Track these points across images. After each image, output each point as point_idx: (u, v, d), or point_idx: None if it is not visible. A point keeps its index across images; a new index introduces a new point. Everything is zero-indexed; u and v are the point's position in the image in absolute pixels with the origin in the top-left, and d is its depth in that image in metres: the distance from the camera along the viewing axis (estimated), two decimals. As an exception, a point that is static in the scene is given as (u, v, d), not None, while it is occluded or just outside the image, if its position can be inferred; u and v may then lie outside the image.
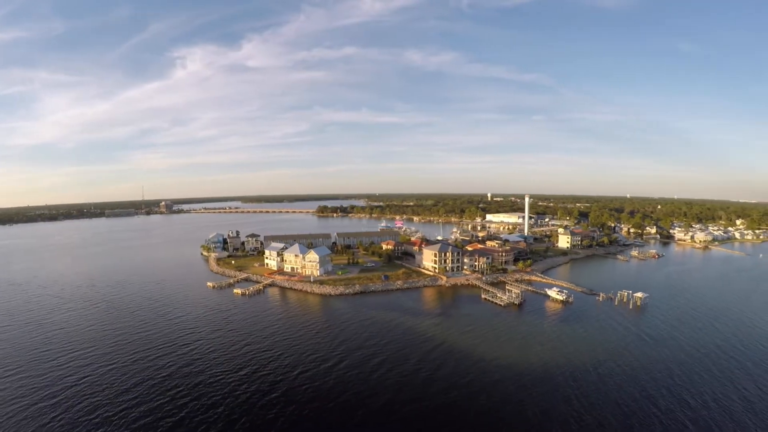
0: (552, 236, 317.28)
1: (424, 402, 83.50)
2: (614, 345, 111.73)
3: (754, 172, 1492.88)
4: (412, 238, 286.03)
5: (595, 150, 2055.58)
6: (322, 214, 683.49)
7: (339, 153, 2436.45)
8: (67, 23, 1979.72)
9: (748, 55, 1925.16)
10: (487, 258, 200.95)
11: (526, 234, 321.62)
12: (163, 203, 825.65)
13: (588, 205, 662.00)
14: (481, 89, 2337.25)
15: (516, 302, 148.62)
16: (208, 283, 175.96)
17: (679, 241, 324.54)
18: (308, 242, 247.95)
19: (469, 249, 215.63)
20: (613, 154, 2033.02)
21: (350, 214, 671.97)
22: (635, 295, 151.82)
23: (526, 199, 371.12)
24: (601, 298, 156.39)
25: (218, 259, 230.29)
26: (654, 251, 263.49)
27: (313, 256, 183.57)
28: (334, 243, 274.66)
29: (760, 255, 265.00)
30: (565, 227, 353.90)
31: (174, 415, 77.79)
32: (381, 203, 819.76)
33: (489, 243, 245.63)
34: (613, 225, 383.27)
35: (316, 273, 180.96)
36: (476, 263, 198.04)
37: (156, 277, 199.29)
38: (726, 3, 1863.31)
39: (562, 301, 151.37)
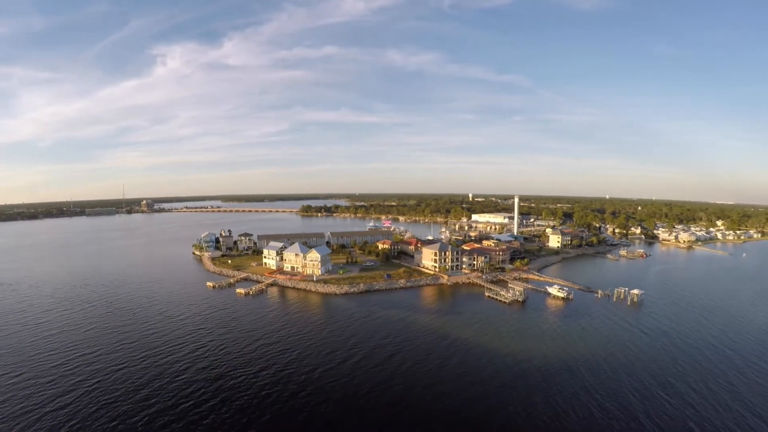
0: (541, 236, 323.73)
1: (443, 389, 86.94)
2: (616, 338, 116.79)
3: (732, 174, 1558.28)
4: (404, 238, 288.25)
5: (574, 151, 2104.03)
6: (306, 214, 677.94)
7: (319, 152, 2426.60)
8: (46, 19, 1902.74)
9: (725, 58, 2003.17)
10: (485, 257, 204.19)
11: (515, 234, 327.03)
12: (144, 202, 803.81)
13: (569, 205, 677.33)
14: (461, 90, 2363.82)
15: (520, 299, 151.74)
16: (208, 283, 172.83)
17: (664, 241, 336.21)
18: (302, 241, 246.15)
19: (467, 248, 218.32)
20: (592, 155, 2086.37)
21: (335, 214, 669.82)
22: (632, 291, 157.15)
23: (515, 200, 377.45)
24: (599, 295, 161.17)
25: (213, 259, 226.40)
26: (642, 251, 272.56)
27: (314, 255, 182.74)
28: (328, 242, 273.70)
29: (743, 254, 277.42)
30: (553, 227, 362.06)
31: (203, 416, 76.24)
32: (364, 203, 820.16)
33: (485, 242, 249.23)
34: (598, 225, 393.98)
35: (318, 272, 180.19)
36: (475, 262, 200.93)
37: (151, 276, 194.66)
38: (704, 5, 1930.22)
39: (563, 298, 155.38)
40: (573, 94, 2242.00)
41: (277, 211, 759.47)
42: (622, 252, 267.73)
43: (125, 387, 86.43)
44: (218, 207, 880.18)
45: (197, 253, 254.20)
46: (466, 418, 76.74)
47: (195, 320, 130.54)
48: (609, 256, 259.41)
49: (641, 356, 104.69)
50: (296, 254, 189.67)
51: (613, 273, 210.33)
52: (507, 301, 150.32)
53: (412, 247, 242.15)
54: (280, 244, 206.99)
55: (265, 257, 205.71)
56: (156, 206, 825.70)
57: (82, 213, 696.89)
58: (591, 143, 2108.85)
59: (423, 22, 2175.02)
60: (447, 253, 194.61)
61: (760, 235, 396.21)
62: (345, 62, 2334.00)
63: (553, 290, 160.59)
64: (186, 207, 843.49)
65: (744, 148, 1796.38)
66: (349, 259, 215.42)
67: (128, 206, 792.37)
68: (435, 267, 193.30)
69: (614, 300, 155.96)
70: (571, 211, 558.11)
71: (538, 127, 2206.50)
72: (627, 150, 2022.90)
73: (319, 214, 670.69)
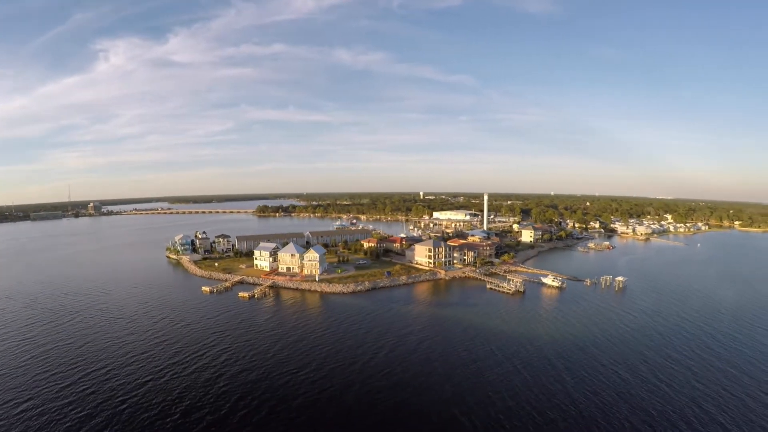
0: (511, 232, 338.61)
1: (481, 368, 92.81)
2: (612, 320, 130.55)
3: (670, 171, 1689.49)
4: (381, 236, 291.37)
5: (519, 149, 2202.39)
6: (262, 214, 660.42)
7: (265, 152, 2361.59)
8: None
9: (664, 61, 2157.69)
10: (474, 252, 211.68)
11: (486, 230, 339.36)
12: (91, 205, 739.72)
13: (520, 202, 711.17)
14: (409, 89, 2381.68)
15: (521, 290, 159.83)
16: (204, 288, 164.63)
17: (622, 234, 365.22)
18: (283, 242, 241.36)
19: (455, 244, 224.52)
20: (537, 153, 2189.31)
21: (293, 214, 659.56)
22: (617, 279, 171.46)
23: (485, 198, 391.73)
24: (588, 283, 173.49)
25: (195, 262, 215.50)
26: (607, 243, 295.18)
27: (312, 255, 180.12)
28: (308, 242, 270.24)
29: (698, 245, 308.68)
30: (519, 223, 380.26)
31: (270, 418, 74.59)
32: (321, 203, 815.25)
33: (471, 238, 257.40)
34: (558, 221, 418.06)
35: (317, 272, 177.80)
36: (465, 257, 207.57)
37: (133, 282, 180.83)
38: (645, 11, 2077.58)
39: (557, 287, 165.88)
40: (518, 94, 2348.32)
41: (232, 212, 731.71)
42: (590, 244, 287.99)
43: (162, 402, 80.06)
44: (168, 209, 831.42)
45: (173, 256, 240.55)
46: (511, 390, 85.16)
47: (204, 326, 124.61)
48: (579, 248, 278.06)
49: (636, 333, 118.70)
50: (292, 255, 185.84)
51: (588, 263, 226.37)
52: (510, 291, 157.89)
53: (397, 245, 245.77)
54: (273, 245, 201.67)
55: (256, 258, 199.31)
56: (104, 209, 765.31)
57: (26, 218, 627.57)
58: (535, 141, 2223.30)
59: (372, 21, 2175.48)
60: (441, 249, 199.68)
61: (707, 227, 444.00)
62: (293, 60, 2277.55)
63: (548, 280, 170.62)
64: (135, 209, 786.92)
65: (680, 147, 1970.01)
66: (341, 259, 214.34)
67: (74, 209, 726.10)
68: (430, 263, 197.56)
69: (602, 287, 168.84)
70: (526, 208, 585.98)
71: (484, 126, 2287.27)
72: (571, 148, 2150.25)
73: (277, 215, 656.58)
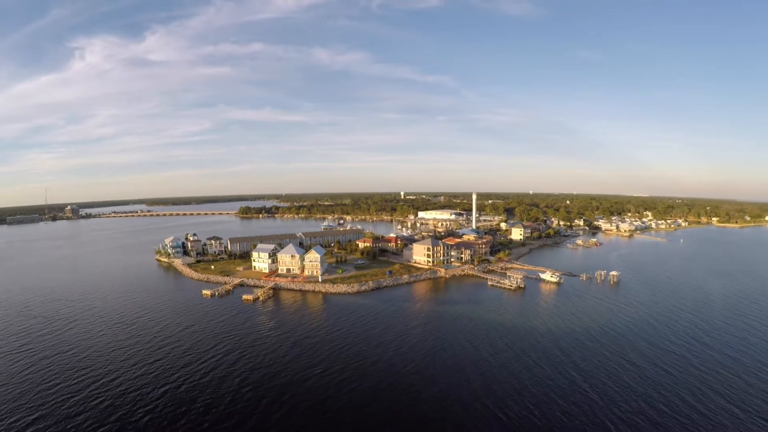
0: (499, 230, 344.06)
1: (501, 358, 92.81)
2: (611, 311, 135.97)
3: (645, 169, 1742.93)
4: (374, 235, 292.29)
5: (497, 149, 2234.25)
6: (245, 216, 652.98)
7: (242, 152, 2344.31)
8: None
9: (644, 65, 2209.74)
10: (471, 250, 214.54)
11: (474, 229, 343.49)
12: (68, 207, 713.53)
13: (502, 201, 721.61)
14: (387, 89, 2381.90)
15: (521, 286, 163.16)
16: (204, 291, 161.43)
17: (607, 231, 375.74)
18: (277, 242, 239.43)
19: (451, 243, 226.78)
20: (515, 153, 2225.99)
21: (276, 215, 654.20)
22: (611, 273, 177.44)
23: (473, 197, 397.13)
24: (584, 278, 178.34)
25: (189, 265, 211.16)
26: (594, 240, 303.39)
27: (314, 255, 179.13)
28: (301, 243, 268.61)
29: (681, 240, 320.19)
30: (506, 221, 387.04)
31: (300, 420, 74.54)
32: (303, 203, 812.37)
33: (465, 237, 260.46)
34: (544, 219, 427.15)
35: (318, 273, 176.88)
36: (462, 255, 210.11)
37: (128, 287, 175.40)
38: (623, 13, 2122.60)
39: (555, 283, 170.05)
40: (496, 94, 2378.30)
41: (214, 214, 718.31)
42: (579, 241, 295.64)
43: (185, 410, 77.27)
44: (148, 211, 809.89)
45: (164, 260, 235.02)
46: (520, 378, 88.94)
47: (212, 330, 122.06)
48: (568, 245, 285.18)
49: (635, 324, 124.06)
50: (292, 256, 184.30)
51: (580, 260, 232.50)
52: (511, 288, 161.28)
53: (393, 245, 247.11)
54: (271, 246, 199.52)
55: (254, 260, 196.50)
56: (82, 212, 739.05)
57: (2, 221, 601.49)
58: (514, 141, 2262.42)
59: (352, 21, 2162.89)
60: (439, 248, 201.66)
61: (686, 223, 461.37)
62: (271, 60, 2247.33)
63: (546, 276, 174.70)
64: (114, 212, 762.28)
65: (656, 146, 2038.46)
66: (339, 259, 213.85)
67: (51, 213, 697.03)
68: (429, 262, 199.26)
69: (597, 281, 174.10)
70: (509, 206, 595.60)
71: (463, 126, 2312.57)
72: (548, 147, 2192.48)
73: (260, 216, 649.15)
